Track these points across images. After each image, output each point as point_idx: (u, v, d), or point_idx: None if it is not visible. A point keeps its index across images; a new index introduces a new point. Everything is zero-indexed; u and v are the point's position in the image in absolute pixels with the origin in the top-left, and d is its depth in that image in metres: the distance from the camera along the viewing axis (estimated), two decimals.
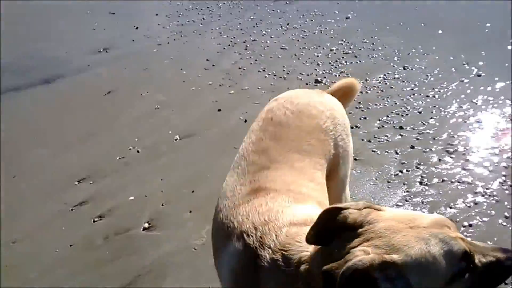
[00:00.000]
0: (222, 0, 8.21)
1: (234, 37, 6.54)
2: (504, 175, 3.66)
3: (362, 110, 4.61)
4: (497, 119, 4.37)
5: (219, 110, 4.77)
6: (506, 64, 5.26)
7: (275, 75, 5.42)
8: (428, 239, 1.20)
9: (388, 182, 3.67)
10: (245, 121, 4.56)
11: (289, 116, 1.96)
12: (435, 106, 4.60)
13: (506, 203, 3.38)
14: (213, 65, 5.76)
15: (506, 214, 3.29)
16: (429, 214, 1.33)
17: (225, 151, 4.10)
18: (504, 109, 4.50)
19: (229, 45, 6.32)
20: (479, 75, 5.07)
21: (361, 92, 4.91)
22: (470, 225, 3.20)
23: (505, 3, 6.75)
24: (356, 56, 5.69)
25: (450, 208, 3.37)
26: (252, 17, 7.26)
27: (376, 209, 1.31)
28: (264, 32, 6.65)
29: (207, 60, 5.90)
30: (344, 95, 2.47)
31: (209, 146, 4.23)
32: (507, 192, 3.49)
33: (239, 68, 5.66)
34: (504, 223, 3.22)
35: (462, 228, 3.17)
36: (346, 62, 5.58)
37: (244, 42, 6.36)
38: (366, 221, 1.25)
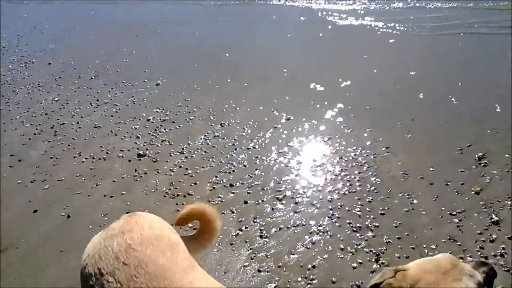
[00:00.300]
0: (18, 86, 7.48)
1: (39, 124, 5.95)
2: (331, 209, 3.94)
3: (191, 176, 4.56)
4: (313, 156, 4.75)
5: (35, 212, 4.19)
6: (312, 102, 5.84)
7: (93, 158, 5.05)
8: (462, 278, 1.43)
9: (231, 244, 3.62)
10: (68, 216, 4.09)
11: (138, 244, 1.72)
12: (257, 157, 4.80)
13: (338, 235, 3.62)
14: (19, 161, 5.11)
15: (341, 246, 3.50)
16: (438, 256, 1.60)
17: (51, 258, 3.59)
18: (316, 146, 4.93)
19: (35, 134, 5.70)
20: (289, 119, 5.50)
21: (186, 157, 4.89)
22: (313, 267, 3.31)
23: (292, 52, 7.59)
24: (174, 122, 5.68)
25: (292, 254, 3.46)
26: (56, 99, 6.75)
27: (402, 269, 1.48)
28: (73, 112, 6.21)
29: (12, 156, 5.22)
30: (202, 226, 2.29)
31: (29, 258, 3.64)
32: (336, 224, 3.75)
33: (51, 157, 5.13)
34: (342, 255, 3.42)
35: (307, 271, 3.26)
36: (165, 129, 5.52)
37: (52, 127, 5.83)
38: (408, 284, 1.42)
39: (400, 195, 4.08)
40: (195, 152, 4.99)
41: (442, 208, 3.88)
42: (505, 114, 5.17)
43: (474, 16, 7.92)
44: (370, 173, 4.41)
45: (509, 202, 3.88)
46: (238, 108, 5.86)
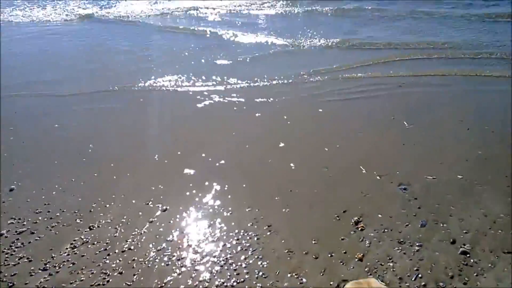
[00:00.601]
0: None
1: None
2: None
3: None
4: (195, 248, 4.46)
5: None
6: (188, 187, 5.58)
7: None
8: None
9: None
10: None
11: None
12: (134, 260, 4.35)
13: None
14: None
15: None
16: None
17: None
18: (197, 236, 4.65)
19: None
20: (165, 210, 5.16)
21: (50, 274, 4.24)
22: None
23: (161, 136, 7.36)
24: (33, 232, 4.97)
25: None
26: None
27: None
28: None
29: None
30: None
31: None
32: None
33: None
34: None
35: None
36: (23, 243, 4.78)
37: None
38: None
39: (289, 275, 3.96)
40: (61, 266, 4.35)
41: (331, 283, 3.83)
42: (370, 174, 5.49)
43: (330, 85, 8.60)
44: (256, 257, 4.24)
45: (391, 264, 3.98)
46: (108, 206, 5.36)
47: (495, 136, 6.22)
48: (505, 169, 5.38)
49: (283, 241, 4.44)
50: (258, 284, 3.86)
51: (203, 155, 6.41)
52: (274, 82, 9.04)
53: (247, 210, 5.02)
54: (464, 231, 4.37)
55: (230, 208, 5.08)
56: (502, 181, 5.15)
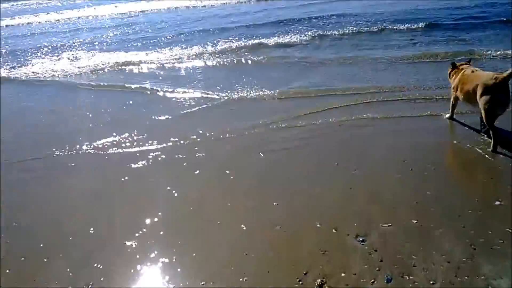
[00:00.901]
0: None
1: None
2: None
3: None
4: None
5: None
6: (130, 261, 5.03)
7: None
8: None
9: None
10: None
11: None
12: None
13: None
14: None
15: None
16: None
17: None
18: None
19: None
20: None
21: None
22: None
23: (95, 204, 6.75)
24: None
25: None
26: None
27: None
28: None
29: None
30: None
31: None
32: None
33: None
34: None
35: None
36: None
37: None
38: None
39: None
40: None
41: None
42: (325, 228, 5.26)
43: (270, 136, 8.45)
44: None
45: None
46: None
47: (438, 174, 6.29)
48: (456, 208, 5.38)
49: None
50: None
51: (146, 221, 5.89)
52: (213, 136, 8.74)
53: (200, 284, 4.55)
54: (432, 282, 4.20)
55: (181, 285, 4.59)
56: (456, 222, 5.12)
